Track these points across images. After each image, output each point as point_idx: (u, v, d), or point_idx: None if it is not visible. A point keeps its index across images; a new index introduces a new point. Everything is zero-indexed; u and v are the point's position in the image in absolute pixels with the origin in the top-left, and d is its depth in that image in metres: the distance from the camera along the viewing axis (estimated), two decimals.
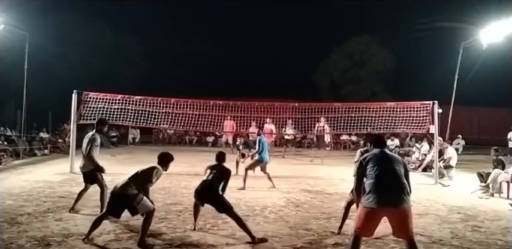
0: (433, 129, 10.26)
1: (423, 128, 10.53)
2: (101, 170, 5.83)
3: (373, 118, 11.52)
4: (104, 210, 4.87)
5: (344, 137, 20.10)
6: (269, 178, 8.43)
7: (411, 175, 4.26)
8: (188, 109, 11.60)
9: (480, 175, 9.08)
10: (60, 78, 18.39)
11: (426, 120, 10.41)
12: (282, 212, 6.37)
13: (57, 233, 4.85)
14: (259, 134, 9.04)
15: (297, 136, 17.45)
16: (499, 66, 18.27)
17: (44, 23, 17.15)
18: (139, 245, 4.45)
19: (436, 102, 10.26)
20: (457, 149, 14.94)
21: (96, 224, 4.64)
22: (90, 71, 21.99)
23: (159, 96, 11.65)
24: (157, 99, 11.32)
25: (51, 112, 18.00)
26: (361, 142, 18.59)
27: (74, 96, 10.40)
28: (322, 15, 34.11)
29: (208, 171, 5.23)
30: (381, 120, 11.25)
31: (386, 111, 11.19)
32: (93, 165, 5.79)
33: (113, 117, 10.82)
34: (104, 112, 10.73)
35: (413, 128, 10.96)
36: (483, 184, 8.70)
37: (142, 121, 11.35)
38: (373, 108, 11.70)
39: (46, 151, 14.23)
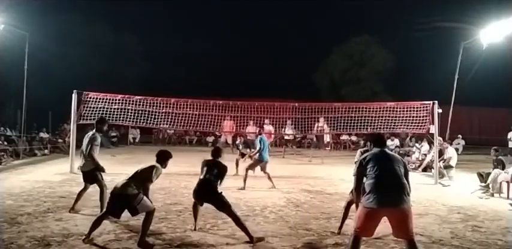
0: (433, 129, 10.27)
1: (423, 128, 10.53)
2: (101, 169, 5.83)
3: (373, 118, 11.53)
4: (104, 210, 4.87)
5: (344, 137, 20.10)
6: (269, 178, 8.43)
7: (411, 175, 4.26)
8: (188, 109, 11.60)
9: (480, 175, 9.08)
10: (60, 78, 18.38)
11: (426, 120, 10.42)
12: (282, 212, 6.37)
13: (57, 233, 4.85)
14: (260, 134, 9.01)
15: (297, 136, 17.44)
16: (499, 66, 18.27)
17: (44, 23, 17.15)
18: (139, 245, 4.45)
19: (436, 102, 10.27)
20: (457, 149, 14.94)
21: (96, 224, 4.64)
22: (90, 71, 21.99)
23: (159, 96, 11.65)
24: (157, 99, 11.33)
25: (51, 112, 18.00)
26: (361, 142, 18.61)
27: (74, 96, 10.40)
28: (322, 15, 34.13)
29: (205, 169, 5.12)
30: (381, 120, 11.26)
31: (387, 111, 11.20)
32: (94, 164, 5.80)
33: (113, 117, 10.82)
34: (104, 112, 10.72)
35: (413, 128, 10.96)
36: (483, 184, 8.70)
37: (142, 121, 11.36)
38: (373, 108, 11.70)
39: (46, 151, 14.24)
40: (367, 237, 4.09)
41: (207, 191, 4.99)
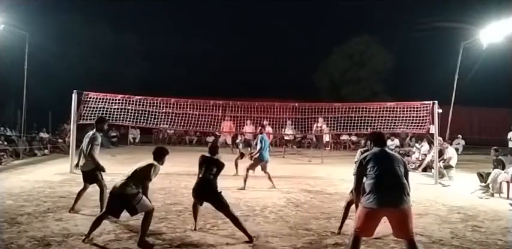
0: (433, 129, 10.27)
1: (423, 128, 10.53)
2: (101, 169, 5.84)
3: (373, 118, 11.52)
4: (104, 210, 4.88)
5: (344, 137, 20.10)
6: (269, 178, 8.42)
7: (411, 175, 4.25)
8: (188, 109, 11.60)
9: (480, 175, 9.08)
10: (60, 78, 18.38)
11: (426, 120, 10.42)
12: (282, 212, 6.37)
13: (57, 233, 4.85)
14: (261, 133, 8.98)
15: (297, 136, 17.45)
16: (499, 66, 18.27)
17: (44, 23, 17.15)
18: (139, 245, 4.45)
19: (436, 102, 10.26)
20: (457, 149, 14.94)
21: (96, 224, 4.64)
22: (90, 71, 21.99)
23: (159, 96, 11.65)
24: (157, 99, 11.33)
25: (51, 112, 18.00)
26: (362, 142, 18.61)
27: (74, 96, 10.40)
28: (322, 15, 34.11)
29: (204, 167, 5.08)
30: (381, 120, 11.26)
31: (387, 111, 11.20)
32: (94, 164, 5.80)
33: (113, 117, 10.82)
34: (104, 112, 10.72)
35: (413, 128, 10.96)
36: (483, 184, 8.70)
37: (142, 121, 11.36)
38: (373, 108, 11.70)
39: (46, 151, 14.23)
40: (367, 237, 4.08)
41: (207, 190, 4.98)
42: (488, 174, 8.56)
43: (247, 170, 8.37)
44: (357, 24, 28.25)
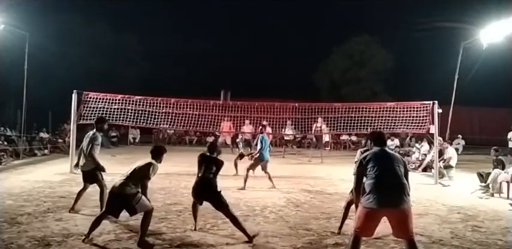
0: (433, 129, 10.26)
1: (423, 128, 10.53)
2: (102, 169, 5.84)
3: (373, 118, 11.53)
4: (103, 209, 4.87)
5: (344, 137, 20.10)
6: (269, 178, 8.42)
7: (411, 175, 4.25)
8: (188, 109, 11.61)
9: (480, 175, 9.08)
10: (60, 78, 18.40)
11: (426, 120, 10.41)
12: (282, 212, 6.37)
13: (57, 233, 4.85)
14: (261, 132, 8.95)
15: (297, 136, 17.45)
16: (499, 66, 18.26)
17: (44, 23, 17.16)
18: (139, 245, 4.45)
19: (436, 102, 10.26)
20: (457, 149, 14.94)
21: (96, 224, 4.64)
22: (90, 71, 22.00)
23: (159, 96, 11.66)
24: (157, 99, 11.33)
25: (51, 112, 18.00)
26: (362, 142, 18.62)
27: (74, 96, 10.40)
28: (322, 15, 34.13)
29: (203, 166, 5.07)
30: (381, 120, 11.26)
31: (387, 111, 11.20)
32: (94, 164, 5.80)
33: (113, 117, 10.82)
34: (104, 112, 10.72)
35: (413, 128, 10.96)
36: (483, 184, 8.70)
37: (142, 121, 11.36)
38: (373, 108, 11.70)
39: (46, 151, 14.23)
40: (367, 237, 4.08)
41: (206, 189, 4.98)
42: (488, 174, 8.55)
43: (248, 170, 8.36)
44: (357, 24, 28.31)
